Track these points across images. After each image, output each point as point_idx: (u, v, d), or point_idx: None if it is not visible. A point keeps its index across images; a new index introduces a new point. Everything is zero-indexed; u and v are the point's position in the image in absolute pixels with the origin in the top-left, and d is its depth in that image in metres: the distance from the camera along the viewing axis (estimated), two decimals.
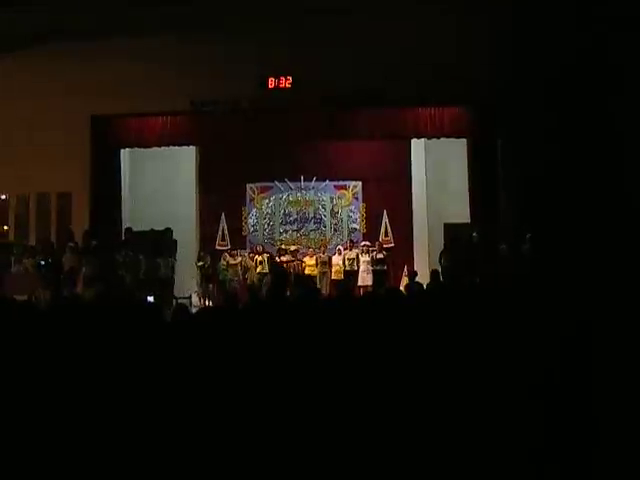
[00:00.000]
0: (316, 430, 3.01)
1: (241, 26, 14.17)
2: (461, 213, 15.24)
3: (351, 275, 15.09)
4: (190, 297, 15.01)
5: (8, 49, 14.89)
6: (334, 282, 15.11)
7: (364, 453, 2.89)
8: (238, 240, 16.96)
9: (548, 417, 2.92)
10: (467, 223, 14.95)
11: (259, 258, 15.52)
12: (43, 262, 13.80)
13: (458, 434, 2.93)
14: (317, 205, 17.31)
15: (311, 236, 17.16)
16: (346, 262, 15.23)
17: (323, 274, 15.23)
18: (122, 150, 16.06)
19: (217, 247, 16.70)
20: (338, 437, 2.96)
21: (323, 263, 15.41)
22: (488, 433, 2.92)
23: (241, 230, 17.31)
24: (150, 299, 12.15)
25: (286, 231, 17.32)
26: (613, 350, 3.38)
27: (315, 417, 3.07)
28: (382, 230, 16.83)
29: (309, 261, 15.53)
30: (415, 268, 15.41)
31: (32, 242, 15.28)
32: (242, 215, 17.36)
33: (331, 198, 17.29)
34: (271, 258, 15.47)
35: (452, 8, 13.63)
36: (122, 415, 3.17)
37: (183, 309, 5.08)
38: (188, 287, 15.51)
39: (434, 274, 11.45)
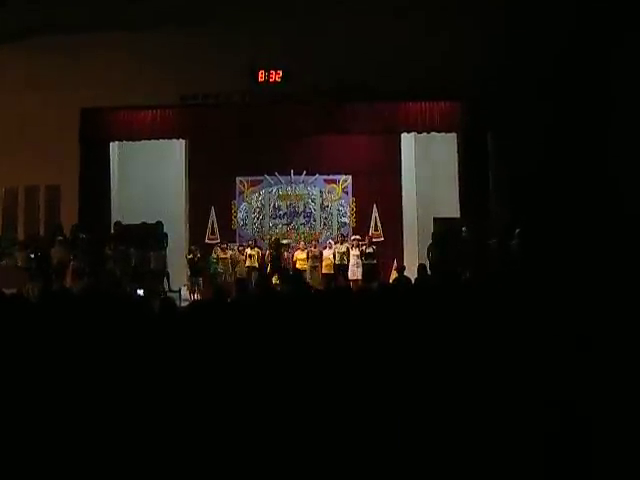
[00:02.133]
0: (308, 424, 3.02)
1: (232, 19, 14.15)
2: (451, 207, 15.27)
3: (341, 269, 15.09)
4: (179, 290, 15.00)
5: None
6: (325, 276, 15.11)
7: (350, 446, 2.90)
8: (228, 234, 16.92)
9: (543, 413, 2.93)
10: (457, 217, 14.98)
11: (250, 252, 15.51)
12: (33, 255, 13.77)
13: (445, 428, 2.94)
14: (307, 199, 17.29)
15: (301, 230, 17.14)
16: (336, 256, 15.22)
17: (314, 268, 15.20)
18: (111, 143, 15.98)
19: (207, 241, 16.66)
20: (330, 432, 2.97)
21: (314, 257, 15.37)
22: (477, 424, 2.93)
23: (231, 224, 17.28)
24: (140, 292, 12.15)
25: (276, 225, 17.30)
26: (605, 343, 3.40)
27: (306, 411, 3.08)
28: (372, 224, 16.85)
29: (300, 255, 15.47)
30: (405, 262, 15.48)
31: (21, 235, 15.23)
32: (232, 209, 17.34)
33: (321, 192, 17.28)
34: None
35: (444, 3, 13.64)
36: (110, 407, 3.17)
37: (169, 303, 5.07)
38: (178, 281, 15.50)
39: (421, 268, 11.52)
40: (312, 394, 3.17)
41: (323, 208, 17.29)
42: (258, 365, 3.42)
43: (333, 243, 15.63)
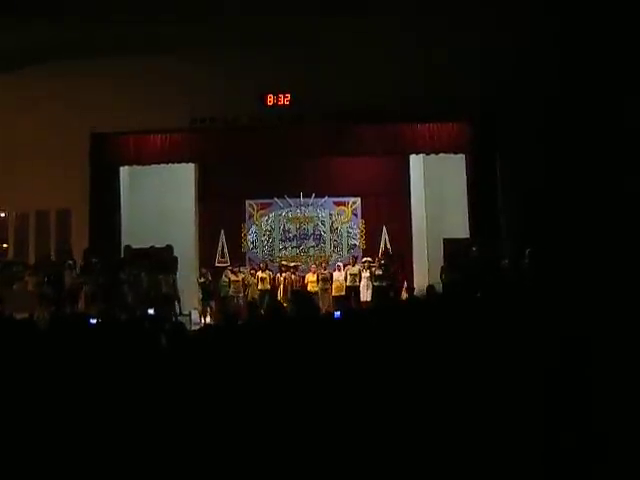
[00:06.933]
0: (317, 446, 3.00)
1: (240, 44, 14.24)
2: (460, 228, 15.24)
3: (353, 291, 15.08)
4: (190, 314, 14.99)
5: (8, 67, 14.96)
6: (335, 298, 15.09)
7: (358, 468, 2.88)
8: (238, 257, 16.94)
9: (547, 430, 2.91)
10: (467, 238, 14.95)
11: (261, 275, 15.51)
12: (47, 279, 13.82)
13: (452, 444, 2.92)
14: (316, 221, 17.31)
15: (310, 252, 17.14)
16: (348, 277, 15.23)
17: (324, 290, 15.20)
18: (121, 167, 16.07)
19: (217, 264, 16.69)
20: (339, 453, 2.96)
21: (324, 279, 15.37)
22: (484, 439, 2.92)
23: (241, 247, 17.31)
24: (151, 311, 12.11)
25: (285, 248, 17.31)
26: (612, 361, 3.38)
27: (315, 434, 3.07)
28: (382, 245, 16.85)
29: (311, 277, 15.49)
30: (415, 283, 15.44)
31: (32, 260, 15.29)
32: (242, 232, 17.37)
33: (330, 214, 17.30)
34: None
35: (451, 24, 13.69)
36: (120, 432, 3.17)
37: (179, 327, 5.07)
38: (188, 304, 15.49)
39: (430, 289, 11.43)
40: (320, 416, 3.16)
41: (333, 230, 17.30)
42: (268, 388, 3.41)
43: (342, 265, 15.62)
